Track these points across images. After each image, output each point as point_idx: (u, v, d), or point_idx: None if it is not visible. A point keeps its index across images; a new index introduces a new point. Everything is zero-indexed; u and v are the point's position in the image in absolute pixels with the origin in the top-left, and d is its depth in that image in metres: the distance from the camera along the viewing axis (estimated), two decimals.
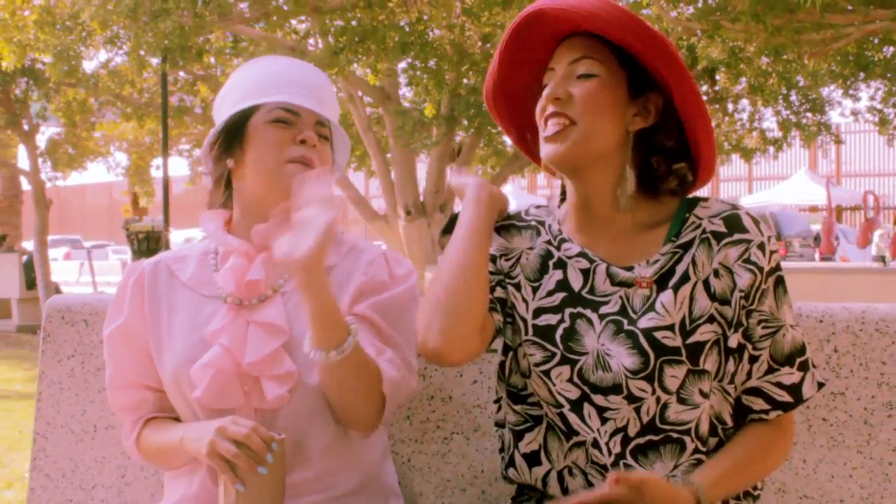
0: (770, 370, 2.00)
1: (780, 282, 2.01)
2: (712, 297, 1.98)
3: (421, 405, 2.51)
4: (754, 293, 1.98)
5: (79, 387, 2.66)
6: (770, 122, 19.05)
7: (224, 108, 2.29)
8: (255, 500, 1.96)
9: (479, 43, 16.09)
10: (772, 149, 18.91)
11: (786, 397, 2.01)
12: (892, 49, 14.95)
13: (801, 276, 11.72)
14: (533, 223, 2.18)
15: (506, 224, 2.20)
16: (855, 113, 18.85)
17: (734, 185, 40.24)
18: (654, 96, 2.03)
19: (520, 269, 2.13)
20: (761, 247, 1.99)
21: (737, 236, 1.99)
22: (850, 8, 10.06)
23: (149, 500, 2.57)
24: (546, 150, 2.05)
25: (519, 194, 35.60)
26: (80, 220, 52.96)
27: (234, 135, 2.25)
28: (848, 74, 15.88)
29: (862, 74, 16.09)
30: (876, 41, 13.53)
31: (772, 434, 2.02)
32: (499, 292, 2.11)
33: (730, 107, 18.39)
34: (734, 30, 10.22)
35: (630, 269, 2.03)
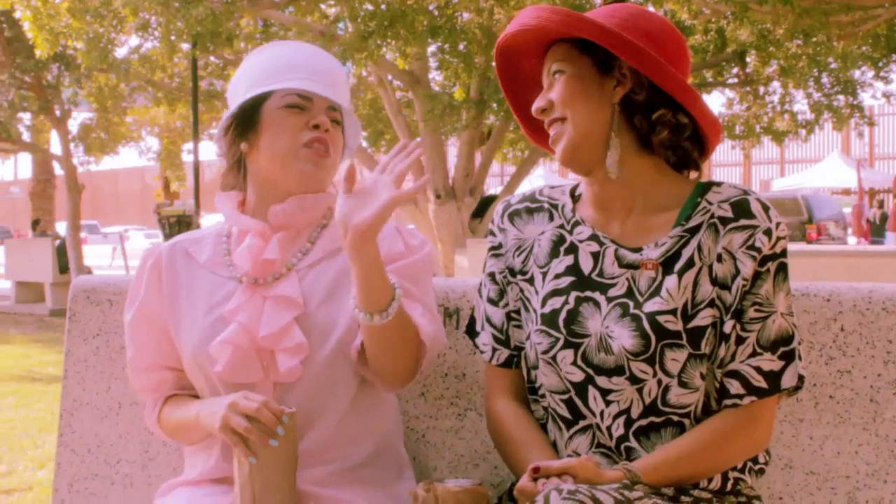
0: (753, 354, 2.01)
1: (781, 268, 2.03)
2: (713, 281, 2.01)
3: (435, 382, 2.56)
4: (754, 277, 2.00)
5: (104, 365, 2.73)
6: (801, 105, 18.93)
7: (238, 93, 2.34)
8: (268, 471, 2.03)
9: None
10: (803, 131, 18.81)
11: (762, 383, 2.01)
12: None
13: (831, 259, 11.67)
14: (546, 205, 2.22)
15: (518, 207, 2.23)
16: (887, 95, 18.73)
17: (766, 167, 40.04)
18: (621, 62, 2.06)
19: (532, 259, 2.17)
20: (767, 232, 2.00)
21: (743, 222, 2.01)
22: None
23: (171, 473, 2.63)
24: (556, 156, 2.13)
25: (550, 177, 35.54)
26: (113, 205, 53.29)
27: (248, 119, 2.30)
28: (879, 56, 15.78)
29: (894, 56, 15.98)
30: None
31: (738, 423, 2.02)
32: (511, 330, 2.21)
33: (760, 90, 18.30)
34: (762, 12, 10.19)
35: (638, 250, 2.06)
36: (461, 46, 15.71)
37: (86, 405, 2.75)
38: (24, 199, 28.95)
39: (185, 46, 15.02)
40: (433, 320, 2.23)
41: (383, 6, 14.66)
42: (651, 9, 2.25)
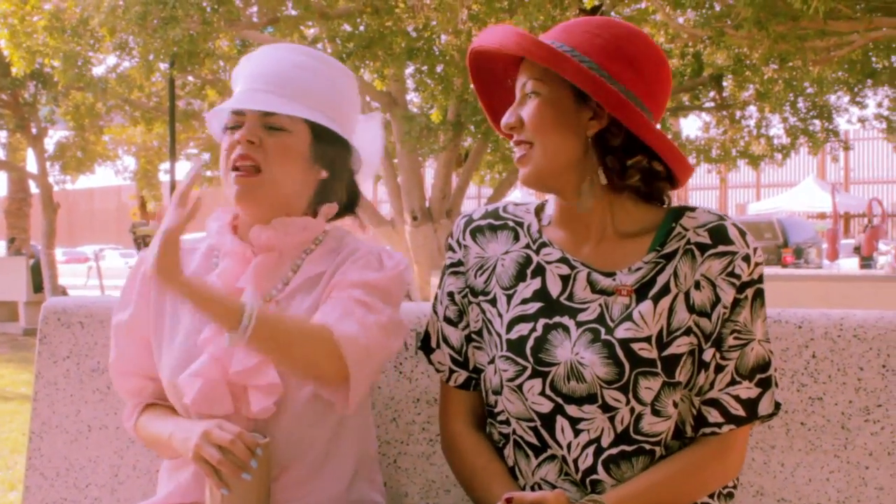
0: (732, 382, 1.99)
1: (758, 294, 2.01)
2: (691, 309, 1.99)
3: (407, 407, 2.55)
4: (733, 304, 1.98)
5: (73, 387, 2.71)
6: (777, 129, 19.02)
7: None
8: (240, 503, 2.00)
9: None
10: (779, 156, 18.89)
11: (740, 411, 2.00)
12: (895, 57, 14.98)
13: (805, 283, 11.72)
14: (511, 223, 2.16)
15: (481, 224, 2.17)
16: (862, 120, 18.85)
17: (742, 191, 40.18)
18: None
19: (495, 279, 2.12)
20: (746, 259, 1.98)
21: (721, 248, 1.99)
22: (853, 16, 10.07)
23: (141, 497, 2.61)
24: (520, 176, 2.08)
25: (527, 199, 35.53)
26: (89, 224, 53.05)
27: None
28: (854, 81, 15.89)
29: (869, 81, 16.10)
30: (882, 48, 13.54)
31: (711, 451, 2.01)
32: (471, 352, 2.17)
33: (737, 114, 18.39)
34: (738, 36, 10.25)
35: (611, 275, 2.03)
36: (439, 68, 15.73)
37: (55, 428, 2.73)
38: None
39: (163, 66, 15.00)
40: (374, 326, 2.10)
41: (361, 27, 14.67)
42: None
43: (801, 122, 18.24)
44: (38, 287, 18.37)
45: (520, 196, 33.32)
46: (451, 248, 2.20)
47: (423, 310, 2.55)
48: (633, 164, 1.99)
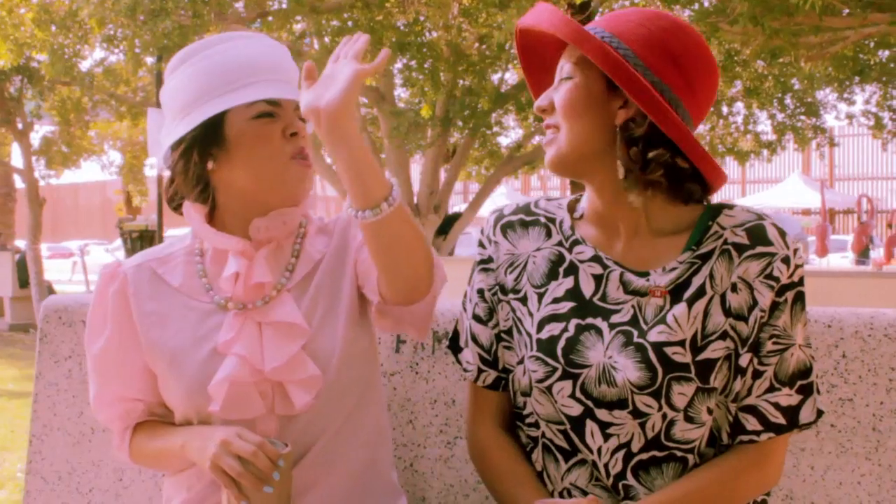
0: (770, 389, 1.92)
1: (798, 298, 1.93)
2: (727, 312, 1.91)
3: (424, 409, 2.47)
4: (772, 308, 1.91)
5: (76, 388, 2.62)
6: (764, 125, 19.03)
7: (186, 101, 2.11)
8: None
9: (476, 44, 16.06)
10: (766, 152, 18.91)
11: (780, 419, 1.93)
12: (887, 52, 14.97)
13: None
14: (542, 220, 2.09)
15: (512, 220, 2.11)
16: (850, 116, 18.87)
17: (728, 187, 40.24)
18: None
19: (526, 277, 2.05)
20: (785, 260, 1.90)
21: (759, 249, 1.91)
22: (847, 11, 10.03)
23: (146, 503, 2.53)
24: (545, 160, 2.02)
25: (513, 195, 35.59)
26: (74, 219, 52.87)
27: (210, 134, 2.10)
28: (843, 78, 15.88)
29: (857, 78, 16.10)
30: (872, 45, 13.53)
31: (749, 460, 1.94)
32: (500, 351, 2.10)
33: (724, 109, 18.37)
34: (732, 32, 10.20)
35: (645, 275, 1.95)
36: (427, 63, 15.66)
37: (57, 430, 2.64)
38: None
39: (150, 60, 14.90)
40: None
41: (350, 23, 14.59)
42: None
43: (789, 118, 18.25)
44: (23, 282, 18.23)
45: (506, 192, 33.33)
46: (481, 245, 2.13)
47: (438, 308, 2.48)
48: (654, 157, 1.90)
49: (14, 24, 14.23)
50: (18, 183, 21.06)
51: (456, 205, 28.70)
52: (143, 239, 18.77)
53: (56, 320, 2.65)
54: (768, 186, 35.39)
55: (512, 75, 18.72)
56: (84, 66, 16.55)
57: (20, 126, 19.40)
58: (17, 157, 21.37)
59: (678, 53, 1.92)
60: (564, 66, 1.99)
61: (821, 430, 2.33)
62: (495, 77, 17.84)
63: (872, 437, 2.31)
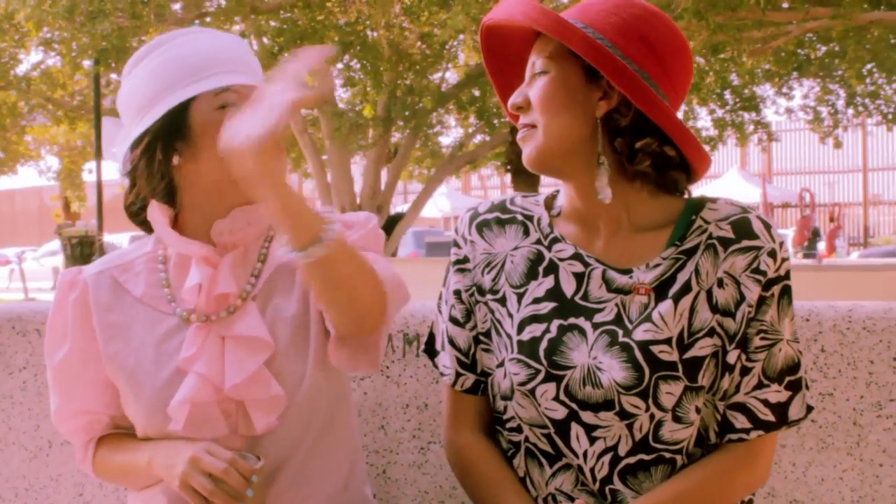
0: (759, 385, 1.86)
1: (785, 292, 1.88)
2: (714, 308, 1.85)
3: (396, 414, 2.40)
4: (759, 303, 1.85)
5: (31, 401, 2.52)
6: (705, 121, 19.18)
7: (144, 101, 2.01)
8: None
9: (418, 43, 16.02)
10: (707, 147, 19.05)
11: (769, 416, 1.87)
12: (826, 48, 15.13)
13: None
14: (519, 217, 2.01)
15: (488, 217, 2.03)
16: (790, 111, 19.08)
17: None
18: None
19: (504, 277, 1.98)
20: (772, 254, 1.85)
21: (745, 243, 1.85)
22: (789, 6, 10.11)
23: None
24: (523, 158, 1.95)
25: (453, 195, 35.62)
26: (10, 226, 52.13)
27: (173, 129, 1.98)
28: (783, 73, 16.04)
29: (795, 73, 16.26)
30: (813, 39, 13.66)
31: (738, 459, 1.89)
32: (479, 354, 2.02)
33: None
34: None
35: (628, 272, 1.89)
36: (369, 63, 15.61)
37: (12, 445, 2.53)
38: None
39: (88, 64, 14.70)
40: (389, 267, 1.96)
41: (288, 24, 14.49)
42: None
43: (729, 113, 18.40)
44: None
45: (446, 191, 33.31)
46: (456, 244, 2.05)
47: (409, 310, 2.41)
48: (642, 147, 1.85)
49: None
50: None
51: (398, 205, 28.67)
52: (82, 245, 18.51)
53: (9, 329, 2.54)
54: (707, 182, 35.65)
55: (453, 74, 18.74)
56: (20, 69, 16.31)
57: None
58: None
59: (653, 40, 1.87)
60: (536, 62, 1.92)
61: (802, 426, 2.29)
62: (436, 76, 17.84)
63: (853, 431, 2.28)
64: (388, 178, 19.65)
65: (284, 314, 2.01)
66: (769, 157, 37.51)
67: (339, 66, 16.41)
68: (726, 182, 31.98)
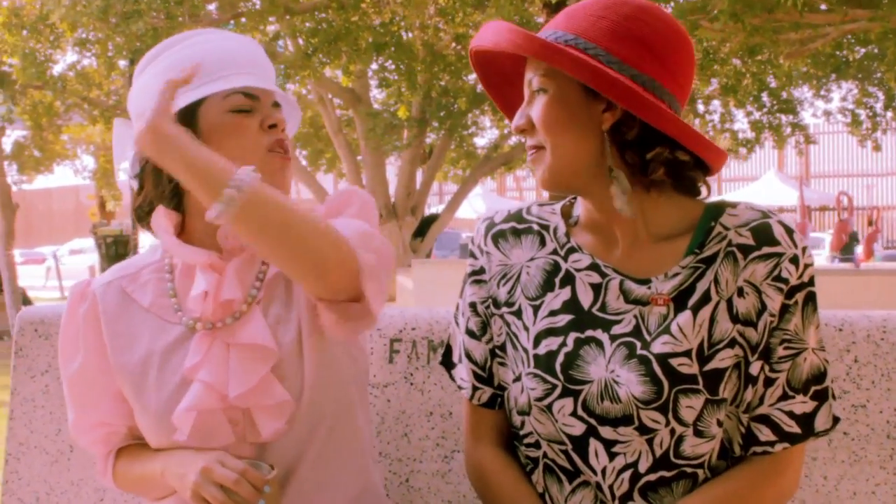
0: (784, 396, 1.81)
1: (809, 298, 1.82)
2: (735, 318, 1.80)
3: (419, 422, 2.37)
4: (781, 311, 1.80)
5: (53, 404, 2.51)
6: (741, 124, 19.04)
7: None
8: None
9: (453, 44, 16.00)
10: (743, 150, 18.93)
11: (794, 428, 1.82)
12: (865, 50, 14.99)
13: None
14: (535, 227, 1.97)
15: (503, 228, 1.99)
16: (828, 113, 18.91)
17: None
18: None
19: (520, 289, 1.93)
20: (794, 260, 1.79)
21: (766, 250, 1.79)
22: (827, 7, 10.00)
23: None
24: (537, 180, 1.90)
25: (489, 196, 35.56)
26: (47, 225, 52.51)
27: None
28: (821, 75, 15.90)
29: (833, 76, 16.12)
30: (851, 41, 13.54)
31: (765, 472, 1.83)
32: (495, 367, 1.98)
33: (701, 108, 18.37)
34: (712, 29, 10.15)
35: (646, 282, 1.84)
36: (403, 65, 15.60)
37: (34, 449, 2.52)
38: None
39: (123, 63, 14.76)
40: (366, 232, 1.91)
41: (323, 25, 14.50)
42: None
43: (766, 116, 18.26)
44: None
45: (481, 192, 33.28)
46: (472, 255, 2.01)
47: (434, 317, 2.37)
48: (653, 157, 1.79)
49: None
50: None
51: (433, 206, 28.67)
52: (117, 244, 18.62)
53: (32, 333, 2.53)
54: (744, 184, 35.43)
55: None
56: (56, 69, 16.41)
57: None
58: None
59: (648, 38, 1.80)
60: (533, 80, 1.86)
61: (833, 439, 2.24)
62: (471, 77, 17.81)
63: (887, 444, 2.23)
64: (423, 179, 19.64)
65: (288, 315, 1.99)
66: (806, 160, 37.24)
67: (374, 66, 16.42)
68: (763, 184, 31.79)
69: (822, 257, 20.25)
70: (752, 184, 33.65)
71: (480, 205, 33.24)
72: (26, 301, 18.49)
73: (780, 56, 11.90)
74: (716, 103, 18.59)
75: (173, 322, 2.00)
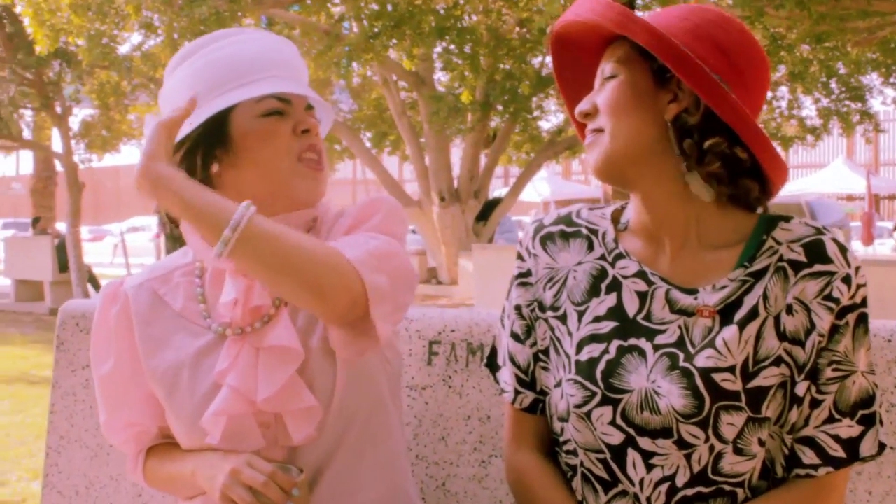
0: (830, 419, 1.76)
1: (861, 320, 1.76)
2: (782, 336, 1.75)
3: (457, 425, 2.35)
4: (831, 332, 1.75)
5: (93, 399, 2.49)
6: (809, 110, 18.80)
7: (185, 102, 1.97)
8: None
9: (516, 28, 15.94)
10: (810, 137, 18.71)
11: (839, 452, 1.76)
12: None
13: None
14: (584, 231, 1.93)
15: (552, 230, 1.95)
16: None
17: None
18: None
19: (566, 294, 1.90)
20: (846, 280, 1.74)
21: (818, 267, 1.74)
22: None
23: None
24: (589, 166, 1.87)
25: (553, 179, 35.40)
26: (115, 202, 53.20)
27: (214, 134, 1.96)
28: (891, 62, 15.64)
29: None
30: None
31: (806, 497, 1.78)
32: (538, 372, 1.94)
33: (768, 94, 18.17)
34: (777, 16, 10.01)
35: (693, 292, 1.80)
36: (467, 48, 15.56)
37: (74, 443, 2.53)
38: (25, 195, 28.86)
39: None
40: (373, 249, 1.86)
41: (389, 6, 14.49)
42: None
43: (834, 103, 18.02)
44: (63, 266, 18.30)
45: (546, 176, 33.14)
46: (520, 257, 1.98)
47: (474, 318, 2.35)
48: (711, 147, 1.74)
49: (50, 10, 14.21)
50: (58, 167, 21.20)
51: (496, 189, 28.61)
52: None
53: (73, 327, 2.54)
54: (812, 171, 35.03)
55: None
56: (122, 50, 16.56)
57: (59, 110, 19.49)
58: (56, 142, 21.50)
59: (726, 45, 1.78)
60: (606, 67, 1.84)
61: None
62: (536, 61, 17.73)
63: None
64: (487, 163, 19.60)
65: (317, 320, 1.96)
66: (875, 148, 36.73)
67: (438, 49, 16.39)
68: (832, 172, 31.41)
69: (887, 246, 19.96)
70: (820, 171, 33.27)
71: (545, 188, 33.10)
72: (92, 279, 18.74)
73: (847, 44, 11.71)
74: (783, 90, 18.36)
75: (202, 326, 2.00)
